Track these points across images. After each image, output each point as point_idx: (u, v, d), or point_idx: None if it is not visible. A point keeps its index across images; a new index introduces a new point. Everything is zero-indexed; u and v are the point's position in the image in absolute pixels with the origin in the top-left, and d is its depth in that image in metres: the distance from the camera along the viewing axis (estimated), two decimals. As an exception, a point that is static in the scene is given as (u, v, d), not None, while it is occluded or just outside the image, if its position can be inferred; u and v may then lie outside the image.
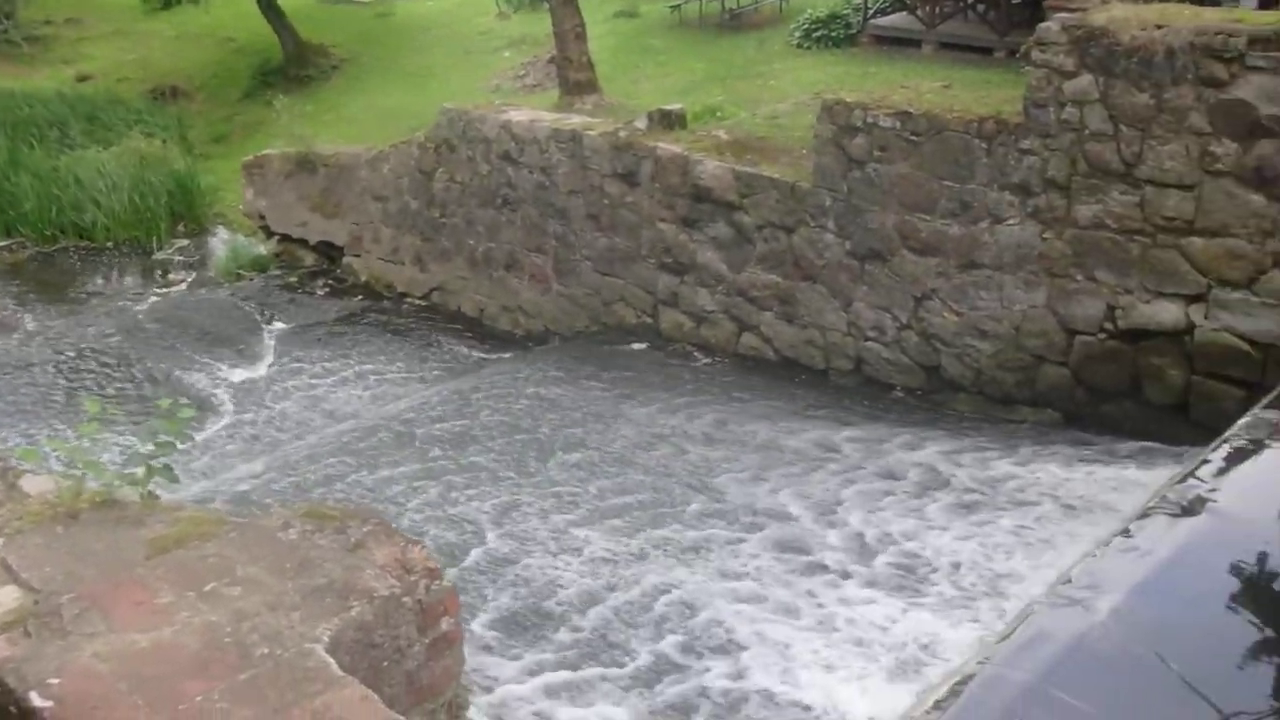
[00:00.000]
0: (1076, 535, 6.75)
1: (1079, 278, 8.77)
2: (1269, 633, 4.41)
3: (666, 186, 11.20)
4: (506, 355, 12.22)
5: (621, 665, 6.12)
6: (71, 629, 2.66)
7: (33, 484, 3.39)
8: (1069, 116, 8.65)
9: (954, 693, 4.32)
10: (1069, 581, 4.80)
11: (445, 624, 2.95)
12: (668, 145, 11.30)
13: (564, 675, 6.07)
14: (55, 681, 2.52)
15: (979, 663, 4.51)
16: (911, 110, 9.58)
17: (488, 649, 6.28)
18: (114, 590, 2.80)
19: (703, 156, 11.01)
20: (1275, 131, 7.78)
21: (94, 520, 3.10)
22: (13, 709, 2.53)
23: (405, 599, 2.86)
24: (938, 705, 4.29)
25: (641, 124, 11.81)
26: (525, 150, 12.42)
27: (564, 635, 6.47)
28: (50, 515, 3.12)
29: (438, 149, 13.42)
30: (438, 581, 2.93)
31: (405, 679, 2.85)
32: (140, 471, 3.38)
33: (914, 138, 9.49)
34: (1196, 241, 8.22)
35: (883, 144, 9.67)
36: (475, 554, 7.33)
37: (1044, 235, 8.89)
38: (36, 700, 2.49)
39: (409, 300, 14.12)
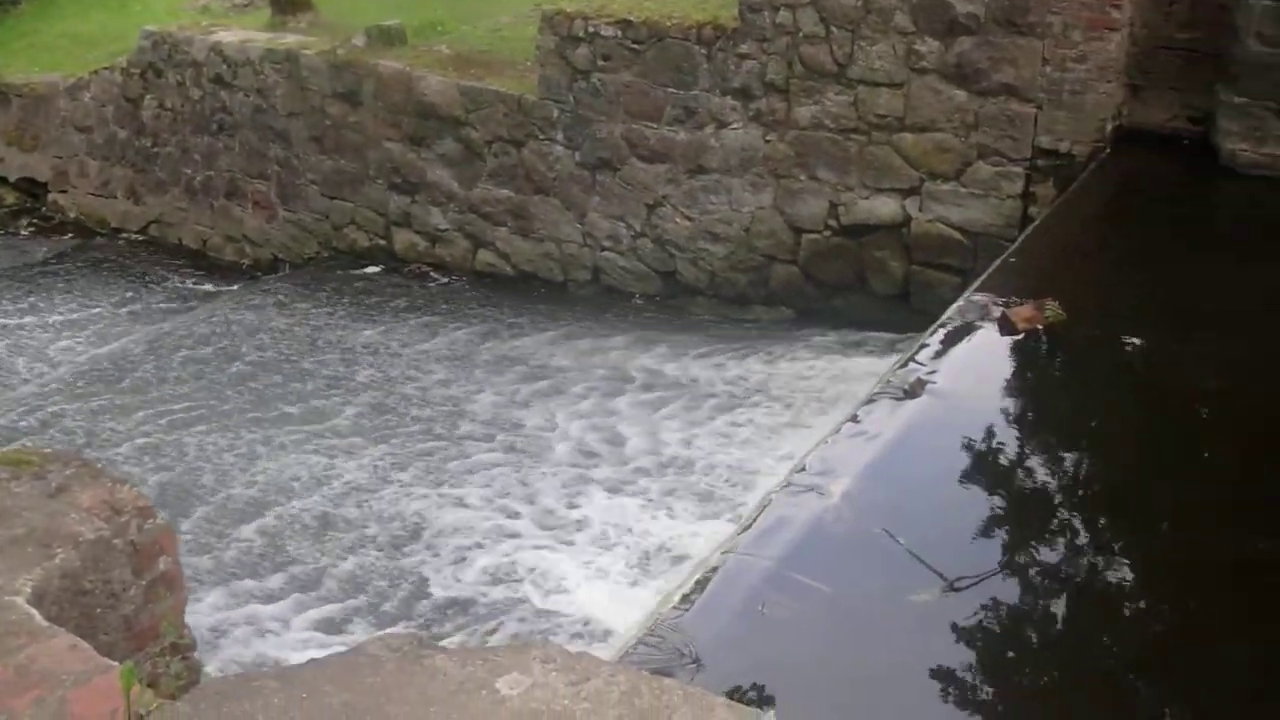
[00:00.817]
0: (813, 425, 7.05)
1: (802, 178, 9.07)
2: (988, 503, 4.69)
3: (390, 105, 10.94)
4: (234, 287, 11.78)
5: (375, 592, 6.09)
6: None
7: None
8: (783, 20, 8.84)
9: (699, 585, 4.44)
10: (804, 469, 4.97)
11: (163, 564, 2.84)
12: (389, 62, 11.01)
13: (325, 611, 6.02)
14: None
15: (722, 554, 4.64)
16: (632, 19, 9.59)
17: (234, 593, 6.16)
18: None
19: (426, 73, 10.78)
20: (972, 29, 8.17)
21: None
22: None
23: (116, 541, 2.74)
24: (685, 599, 4.40)
25: (360, 41, 11.44)
26: (239, 73, 11.89)
27: (313, 569, 6.39)
28: None
29: (144, 74, 12.71)
30: (151, 521, 2.82)
31: (123, 624, 2.74)
32: None
33: (636, 46, 9.53)
34: (907, 138, 8.60)
35: (605, 53, 9.68)
36: (213, 494, 7.12)
37: (767, 138, 9.12)
38: None
39: (125, 235, 13.42)
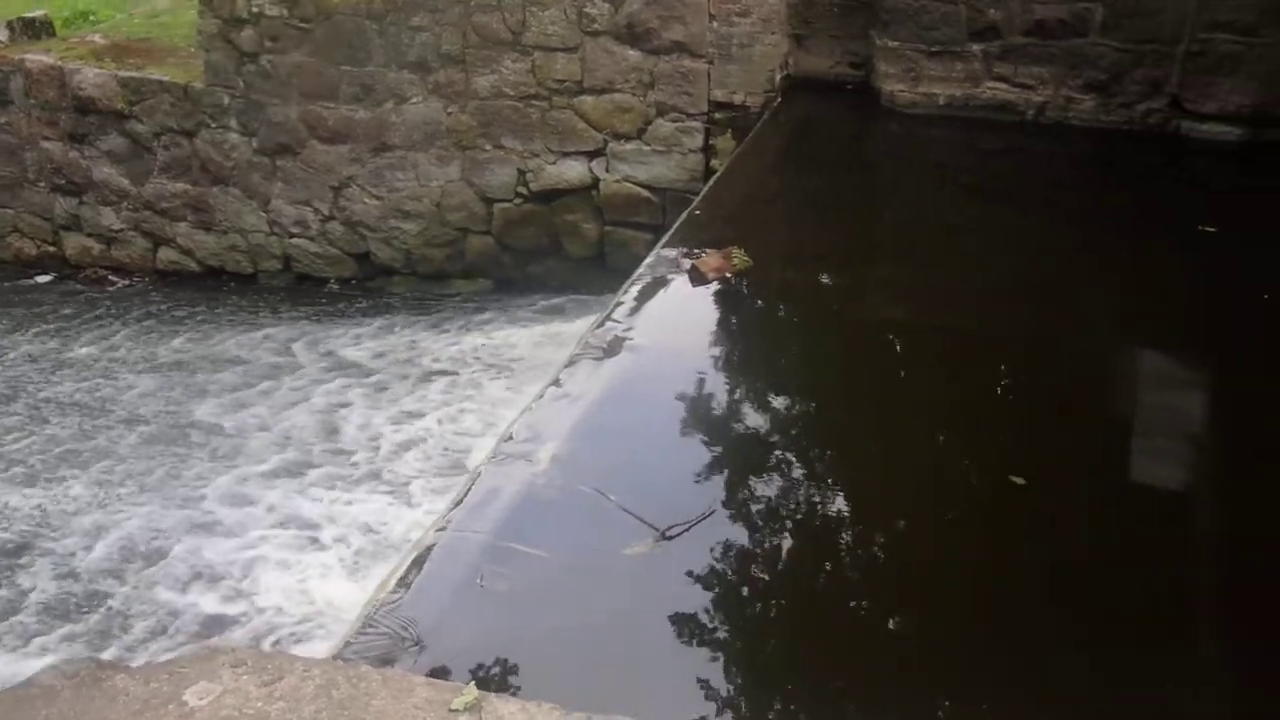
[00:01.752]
0: (521, 393, 7.04)
1: (488, 147, 9.01)
2: (697, 451, 4.77)
3: (44, 102, 10.22)
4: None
5: (79, 617, 5.73)
6: None
7: None
8: (454, -11, 8.75)
9: (415, 566, 4.36)
10: (510, 438, 4.94)
11: None
12: (37, 56, 10.26)
13: (18, 643, 5.61)
14: None
15: (436, 532, 4.57)
16: (298, -3, 9.29)
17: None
18: None
19: (80, 65, 10.12)
20: (640, -12, 8.30)
21: None
22: None
23: None
24: (402, 582, 4.31)
25: (2, 35, 10.63)
26: None
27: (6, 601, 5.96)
28: None
29: None
30: None
31: None
32: None
33: (304, 24, 9.22)
34: (588, 100, 8.66)
35: (273, 34, 9.33)
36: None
37: (448, 110, 9.01)
38: None
39: None
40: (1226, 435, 4.53)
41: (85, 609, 5.92)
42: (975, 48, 7.74)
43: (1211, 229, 6.21)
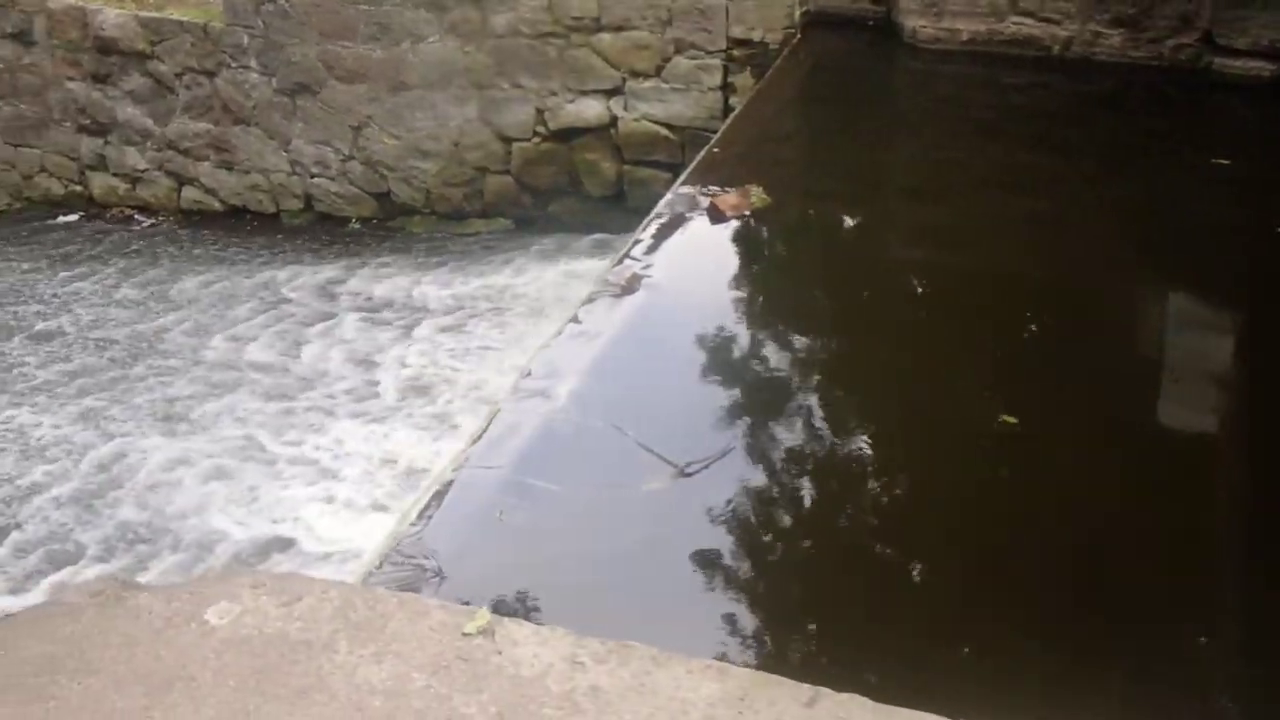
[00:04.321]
0: (540, 331, 7.07)
1: (505, 86, 8.99)
2: (715, 389, 4.80)
3: (67, 42, 10.26)
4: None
5: (91, 543, 5.85)
6: None
7: None
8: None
9: (436, 499, 4.42)
10: (529, 374, 4.98)
11: None
12: (58, -3, 10.29)
13: (32, 566, 5.74)
14: None
15: (456, 468, 4.62)
16: (315, -66, 9.25)
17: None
18: None
19: (101, 6, 10.13)
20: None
21: None
22: None
23: None
24: (422, 515, 4.38)
25: (23, -23, 10.63)
26: (-109, 17, 10.88)
27: (22, 525, 6.10)
28: None
29: None
30: None
31: None
32: None
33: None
34: (605, 38, 8.62)
35: (290, -28, 9.32)
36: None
37: (465, 49, 8.98)
38: None
39: None
40: (1237, 373, 4.53)
41: (100, 537, 6.03)
42: (1000, -19, 7.66)
43: (1232, 164, 6.16)
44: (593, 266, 7.92)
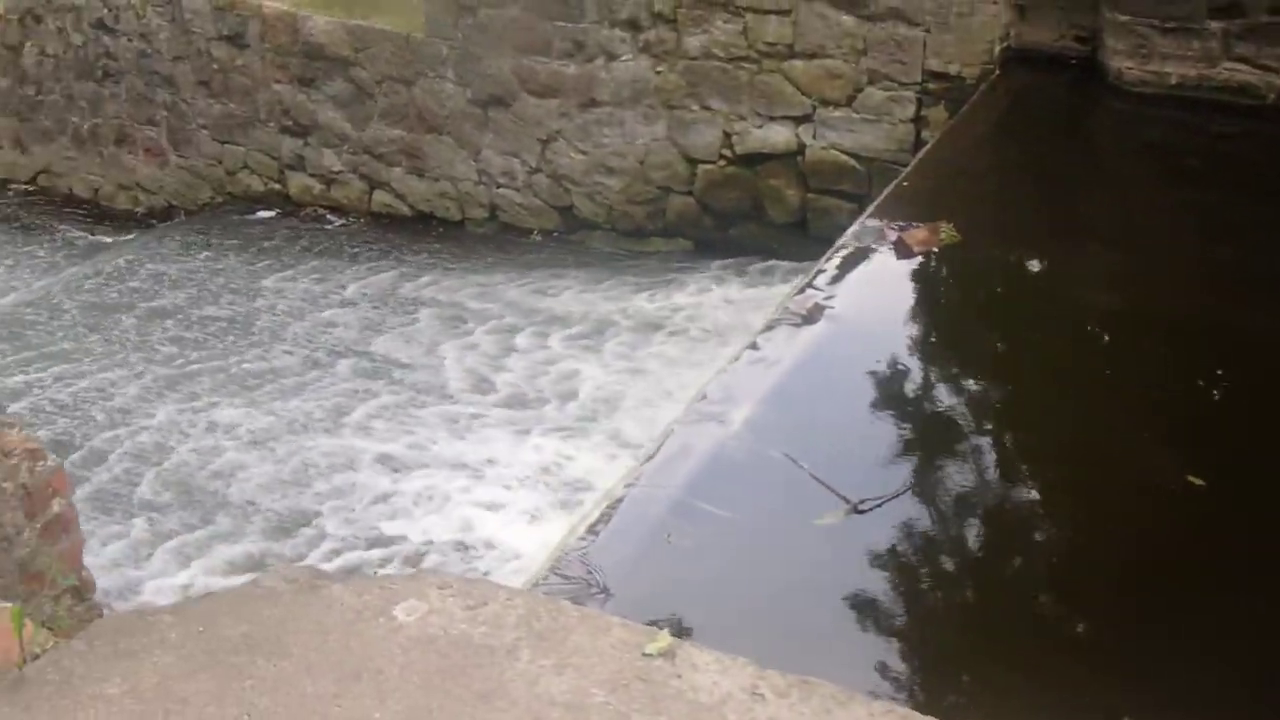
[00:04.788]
0: (716, 355, 7.06)
1: (694, 108, 9.03)
2: (891, 426, 4.73)
3: (277, 46, 10.68)
4: (129, 236, 11.49)
5: (286, 536, 6.04)
6: None
7: None
8: (672, -51, 8.77)
9: (605, 516, 4.45)
10: (705, 398, 4.98)
11: (56, 505, 2.77)
12: (272, 3, 10.70)
13: (224, 552, 5.96)
14: None
15: (626, 485, 4.64)
16: (516, -49, 9.45)
17: (136, 541, 6.07)
18: None
19: (311, 13, 10.52)
20: (860, -47, 8.17)
21: None
22: None
23: (5, 484, 2.66)
24: (590, 530, 4.41)
25: (243, -19, 11.14)
26: (120, 17, 11.50)
27: (223, 518, 6.33)
28: None
29: (22, 20, 12.23)
30: (42, 463, 2.75)
31: (17, 567, 2.67)
32: None
33: (524, -21, 9.39)
34: (798, 65, 8.59)
35: (492, -13, 9.54)
36: (111, 439, 7.00)
37: (657, 69, 9.06)
38: None
39: (14, 187, 12.95)
40: None
41: (285, 527, 6.22)
42: (1214, 25, 7.37)
43: None
44: (772, 293, 7.88)
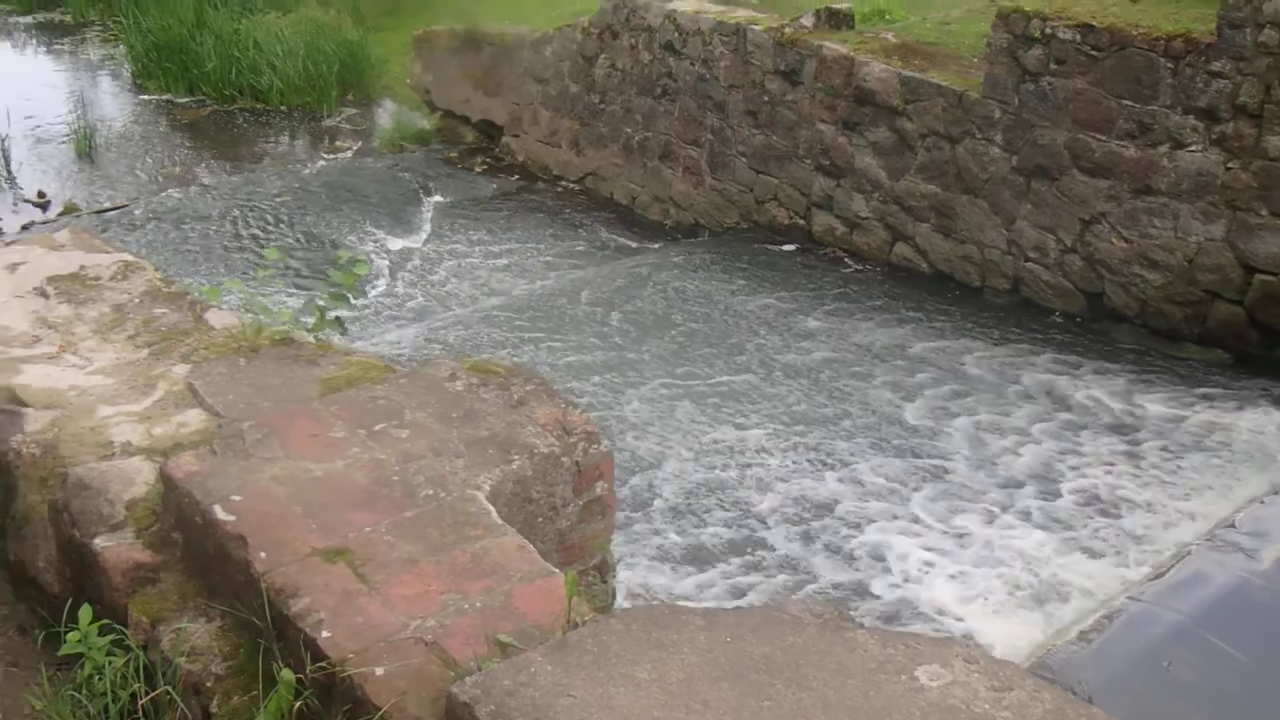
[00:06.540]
0: (1243, 480, 6.48)
1: (1263, 212, 8.33)
2: None
3: (829, 87, 10.92)
4: (655, 245, 12.15)
5: (764, 567, 6.17)
6: (252, 452, 2.69)
7: (217, 318, 3.44)
8: (1267, 39, 8.14)
9: (1099, 625, 4.21)
10: (1233, 525, 4.60)
11: (599, 488, 2.94)
12: (833, 45, 10.97)
13: (720, 570, 6.17)
14: (237, 499, 2.58)
15: (1128, 598, 4.37)
16: (1094, 23, 9.10)
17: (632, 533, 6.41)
18: (290, 421, 2.83)
19: (868, 58, 10.67)
20: None
21: (273, 356, 3.14)
22: (197, 519, 2.60)
23: (563, 459, 2.85)
24: (1082, 636, 4.18)
25: (808, 21, 11.48)
26: (688, 41, 12.20)
27: (709, 532, 6.55)
28: (233, 348, 3.16)
29: (601, 35, 13.25)
30: (595, 446, 2.92)
31: (557, 537, 2.86)
32: (313, 319, 3.41)
33: (1094, 52, 9.04)
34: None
35: (1060, 57, 9.24)
36: (621, 439, 7.41)
37: (1228, 165, 8.44)
38: (220, 513, 2.56)
39: (563, 184, 14.06)
40: None
41: (777, 558, 6.33)
42: None
43: None
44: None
